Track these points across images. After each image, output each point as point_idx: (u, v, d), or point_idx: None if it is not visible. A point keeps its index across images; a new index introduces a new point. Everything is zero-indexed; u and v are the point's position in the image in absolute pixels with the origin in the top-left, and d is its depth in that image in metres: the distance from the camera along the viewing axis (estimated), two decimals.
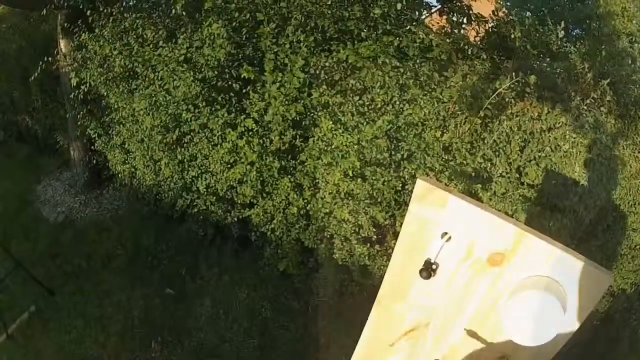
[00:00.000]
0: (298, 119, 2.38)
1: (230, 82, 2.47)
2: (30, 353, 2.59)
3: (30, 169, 4.18)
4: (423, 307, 0.96)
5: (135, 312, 2.80)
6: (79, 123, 3.23)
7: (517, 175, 2.54)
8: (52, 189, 3.82)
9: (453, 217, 0.84)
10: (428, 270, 0.88)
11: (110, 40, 2.79)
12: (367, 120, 2.35)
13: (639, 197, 2.63)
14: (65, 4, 2.96)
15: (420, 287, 0.94)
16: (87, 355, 2.57)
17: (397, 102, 2.38)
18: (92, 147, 3.34)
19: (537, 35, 2.80)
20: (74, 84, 2.97)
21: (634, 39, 5.17)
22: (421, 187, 0.86)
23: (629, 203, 2.64)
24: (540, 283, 0.77)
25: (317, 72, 2.38)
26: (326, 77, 2.40)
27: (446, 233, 0.85)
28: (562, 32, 2.92)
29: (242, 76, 2.40)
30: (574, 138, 2.49)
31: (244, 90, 2.48)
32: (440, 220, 0.85)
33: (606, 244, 2.77)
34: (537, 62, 2.80)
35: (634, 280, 2.88)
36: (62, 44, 3.38)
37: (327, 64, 2.37)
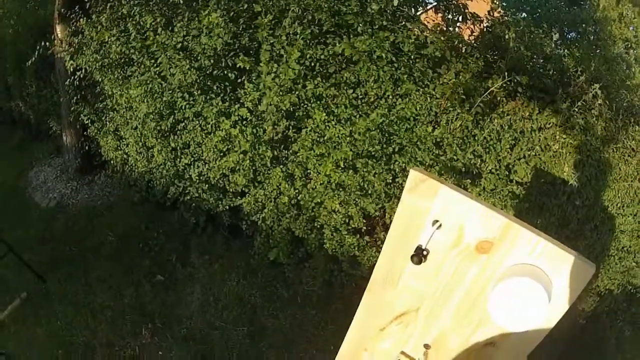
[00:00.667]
0: (292, 109, 2.39)
1: (225, 72, 2.47)
2: (21, 339, 2.59)
3: (22, 154, 4.16)
4: (413, 292, 0.98)
5: (126, 299, 2.80)
6: (72, 109, 3.21)
7: (507, 173, 2.59)
8: (44, 174, 3.81)
9: (444, 206, 0.87)
10: (419, 255, 0.90)
11: (107, 27, 2.78)
12: (360, 113, 2.38)
13: (627, 200, 2.68)
14: None
15: (411, 273, 0.97)
16: (78, 341, 2.58)
17: (391, 97, 2.41)
18: (85, 133, 3.34)
19: (531, 37, 2.84)
20: (70, 70, 2.96)
21: (630, 45, 5.25)
22: (414, 177, 0.89)
23: (617, 205, 2.68)
24: (526, 270, 0.80)
25: (313, 64, 2.40)
26: (321, 69, 2.42)
27: (437, 221, 0.87)
28: (557, 34, 2.96)
29: (237, 66, 2.41)
30: (564, 139, 2.53)
31: (239, 80, 2.49)
32: (431, 209, 0.88)
33: (594, 244, 2.81)
34: (530, 64, 2.83)
35: (620, 281, 2.93)
36: (59, 29, 3.36)
37: (322, 56, 2.39)
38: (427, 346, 1.01)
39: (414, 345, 1.03)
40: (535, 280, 0.77)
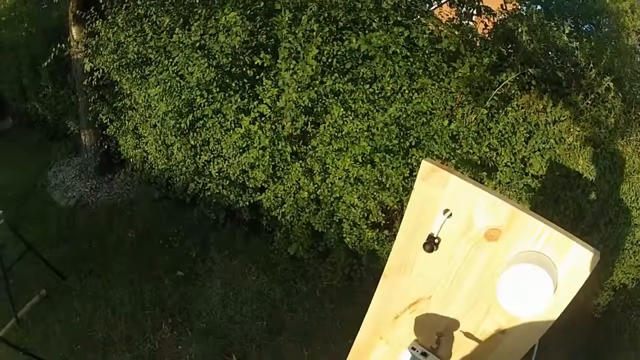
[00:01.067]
0: (310, 105, 2.42)
1: (244, 69, 2.51)
2: (40, 336, 2.63)
3: (40, 155, 4.22)
4: (426, 279, 1.01)
5: (145, 294, 2.84)
6: (90, 109, 3.27)
7: (522, 166, 2.60)
8: (63, 174, 3.87)
9: (454, 195, 0.90)
10: (431, 244, 0.93)
11: (123, 27, 2.83)
12: (377, 107, 2.40)
13: None
14: None
15: (423, 261, 1.00)
16: (97, 337, 2.62)
17: (407, 91, 2.43)
18: (104, 133, 3.39)
19: (544, 29, 2.84)
20: (87, 70, 3.01)
21: None
22: (425, 167, 0.92)
23: (631, 198, 2.68)
24: (532, 257, 0.82)
25: (330, 60, 2.43)
26: (338, 65, 2.45)
27: (447, 210, 0.90)
28: (569, 27, 2.96)
29: (255, 63, 2.44)
30: (578, 132, 2.54)
31: (257, 77, 2.52)
32: (442, 198, 0.91)
33: (608, 238, 2.81)
34: (544, 57, 2.84)
35: (635, 275, 2.92)
36: (74, 31, 3.41)
37: (339, 52, 2.41)
38: (439, 333, 1.03)
39: (428, 333, 1.06)
40: (540, 266, 0.79)
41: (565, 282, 0.82)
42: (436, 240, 0.94)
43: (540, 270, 0.78)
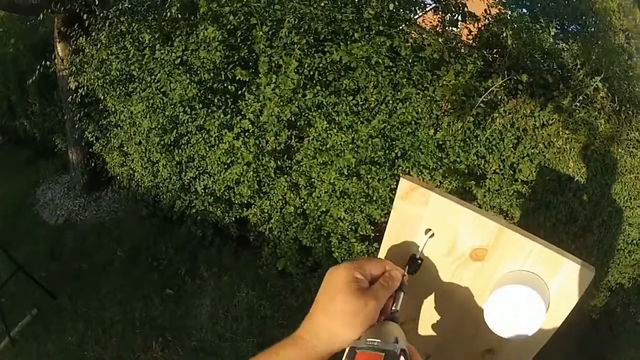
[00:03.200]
0: (293, 119, 2.40)
1: (226, 84, 2.49)
2: (32, 356, 2.61)
3: (29, 172, 4.21)
4: (410, 302, 0.98)
5: (136, 313, 2.82)
6: (76, 126, 3.25)
7: (511, 172, 2.57)
8: (52, 192, 3.85)
9: (435, 214, 0.86)
10: (413, 265, 0.90)
11: (106, 44, 2.81)
12: (361, 119, 2.38)
13: (634, 192, 2.66)
14: (62, 8, 2.98)
15: (406, 282, 0.97)
16: (89, 356, 2.59)
17: (391, 102, 2.41)
18: (90, 150, 3.37)
19: (530, 32, 2.83)
20: (72, 88, 2.99)
21: (630, 35, 5.20)
22: (404, 185, 0.88)
23: (624, 198, 2.67)
24: (522, 277, 0.79)
25: (311, 73, 2.40)
26: (320, 77, 2.42)
27: (430, 229, 0.87)
28: (554, 29, 2.95)
29: (237, 78, 2.42)
30: (568, 134, 2.52)
31: (239, 92, 2.50)
32: (423, 217, 0.88)
33: (602, 239, 2.79)
34: (530, 60, 2.82)
35: (631, 274, 2.90)
36: (59, 47, 3.40)
37: (320, 64, 2.39)
38: (428, 355, 1.01)
39: None
40: (531, 287, 0.75)
41: (558, 301, 0.79)
42: (419, 262, 0.91)
43: (530, 291, 0.75)
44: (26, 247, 3.38)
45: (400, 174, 2.36)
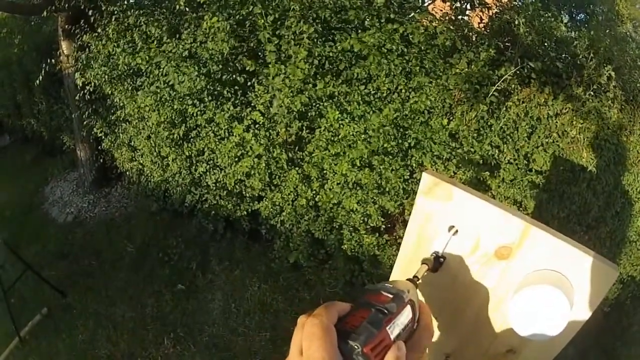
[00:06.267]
0: (304, 110, 2.37)
1: (235, 75, 2.46)
2: (43, 355, 2.60)
3: (37, 171, 4.21)
4: (431, 300, 0.95)
5: (147, 309, 2.81)
6: (84, 123, 3.23)
7: (525, 162, 2.53)
8: (60, 189, 3.84)
9: (459, 210, 0.83)
10: (435, 263, 0.87)
11: (113, 39, 2.79)
12: (373, 109, 2.34)
13: None
14: (66, 5, 2.96)
15: (428, 281, 0.94)
16: (100, 354, 2.59)
17: (403, 90, 2.37)
18: (99, 147, 3.35)
19: (541, 21, 2.78)
20: (79, 85, 2.97)
21: (637, 24, 5.12)
22: (427, 180, 0.85)
23: (637, 189, 2.63)
24: (547, 277, 0.76)
25: (322, 62, 2.37)
26: (331, 67, 2.39)
27: (453, 226, 0.84)
28: (567, 17, 2.90)
29: (246, 69, 2.39)
30: (581, 124, 2.47)
31: (249, 83, 2.47)
32: (446, 214, 0.84)
33: (615, 231, 2.75)
34: (542, 48, 2.77)
35: None
36: (64, 45, 3.39)
37: (331, 54, 2.36)
38: (447, 355, 0.97)
39: (434, 355, 1.00)
40: (557, 287, 0.72)
41: (582, 301, 0.76)
42: (441, 260, 0.87)
43: (556, 292, 0.72)
44: (35, 246, 3.38)
45: (422, 170, 2.33)
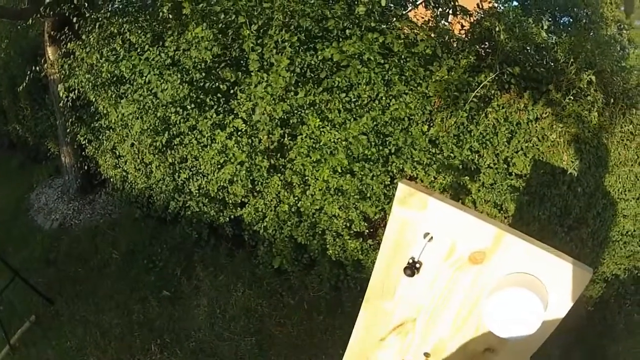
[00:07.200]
0: (285, 117, 2.39)
1: (217, 84, 2.48)
2: None
3: (22, 177, 4.18)
4: (410, 303, 0.98)
5: (133, 316, 2.81)
6: (68, 130, 3.23)
7: (505, 166, 2.58)
8: (46, 196, 3.82)
9: (434, 218, 0.87)
10: (412, 268, 0.90)
11: (96, 47, 2.79)
12: (354, 116, 2.37)
13: (629, 184, 2.67)
14: (51, 12, 2.95)
15: (405, 285, 0.97)
16: None
17: (384, 98, 2.41)
18: (83, 153, 3.34)
19: (522, 27, 2.82)
20: (62, 93, 2.96)
21: (622, 26, 5.22)
22: (402, 190, 0.89)
23: (618, 190, 2.68)
24: (520, 280, 0.79)
25: (303, 70, 2.40)
26: (312, 75, 2.42)
27: (428, 233, 0.87)
28: (547, 22, 2.95)
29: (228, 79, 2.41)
30: (561, 128, 2.52)
31: (231, 91, 2.49)
32: (422, 221, 0.88)
33: (597, 231, 2.81)
34: (523, 54, 2.82)
35: (627, 265, 2.92)
36: (50, 51, 3.37)
37: (312, 62, 2.38)
38: (427, 354, 1.01)
39: (414, 354, 1.03)
40: (530, 290, 0.76)
41: (556, 302, 0.79)
42: (417, 265, 0.91)
43: (528, 294, 0.76)
44: (22, 253, 3.36)
45: (398, 179, 2.36)
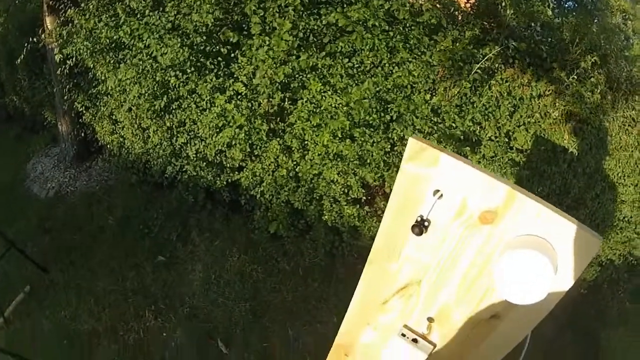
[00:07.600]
0: (286, 81, 2.36)
1: (218, 47, 2.44)
2: (27, 334, 2.59)
3: (20, 148, 4.13)
4: (416, 263, 0.95)
5: (128, 282, 2.80)
6: (65, 97, 3.19)
7: (506, 140, 2.56)
8: (42, 165, 3.79)
9: (445, 175, 0.83)
10: (420, 226, 0.87)
11: (96, 13, 2.74)
12: (356, 82, 2.35)
13: (628, 170, 2.66)
14: None
15: (412, 244, 0.93)
16: (83, 329, 2.58)
17: (387, 65, 2.38)
18: (80, 121, 3.31)
19: (528, 4, 2.80)
20: (59, 60, 2.92)
21: (627, 17, 5.19)
22: (413, 145, 0.85)
23: (617, 174, 2.67)
24: (531, 242, 0.77)
25: (306, 35, 2.36)
26: (315, 40, 2.39)
27: (438, 190, 0.84)
28: (554, 3, 2.92)
29: (230, 40, 2.38)
30: (564, 106, 2.50)
31: (232, 55, 2.46)
32: (432, 178, 0.85)
33: (595, 213, 2.80)
34: (527, 31, 2.80)
35: (622, 252, 2.92)
36: (48, 21, 3.32)
37: (316, 27, 2.35)
38: (430, 319, 0.98)
39: (417, 318, 1.01)
40: (541, 252, 0.73)
41: (565, 268, 0.77)
42: (425, 223, 0.87)
43: (539, 256, 0.73)
44: (18, 223, 3.33)
45: (404, 141, 2.33)
